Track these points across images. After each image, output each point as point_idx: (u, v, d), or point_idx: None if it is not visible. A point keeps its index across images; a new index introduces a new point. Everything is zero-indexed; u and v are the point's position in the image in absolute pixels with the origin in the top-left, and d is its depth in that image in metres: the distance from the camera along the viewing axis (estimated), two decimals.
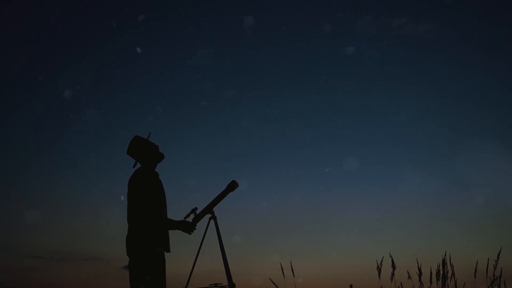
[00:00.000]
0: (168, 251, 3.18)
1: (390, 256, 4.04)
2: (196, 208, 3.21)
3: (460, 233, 8.25)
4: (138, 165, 3.24)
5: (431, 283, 3.87)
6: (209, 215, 3.18)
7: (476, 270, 3.64)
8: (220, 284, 2.90)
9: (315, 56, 9.52)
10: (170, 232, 3.23)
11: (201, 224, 3.22)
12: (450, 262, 3.82)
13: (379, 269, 4.07)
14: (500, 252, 3.59)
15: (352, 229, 8.79)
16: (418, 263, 3.91)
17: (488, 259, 3.62)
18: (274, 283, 3.97)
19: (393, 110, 9.45)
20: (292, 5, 9.31)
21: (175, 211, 3.33)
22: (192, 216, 3.21)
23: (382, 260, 4.08)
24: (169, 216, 3.27)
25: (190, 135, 9.48)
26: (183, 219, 3.22)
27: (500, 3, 8.91)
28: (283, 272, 3.97)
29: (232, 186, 3.16)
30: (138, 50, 8.79)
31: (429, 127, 9.27)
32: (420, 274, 3.89)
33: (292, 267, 4.02)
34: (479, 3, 8.94)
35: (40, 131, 9.23)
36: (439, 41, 9.14)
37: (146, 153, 3.20)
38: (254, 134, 9.63)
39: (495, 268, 3.58)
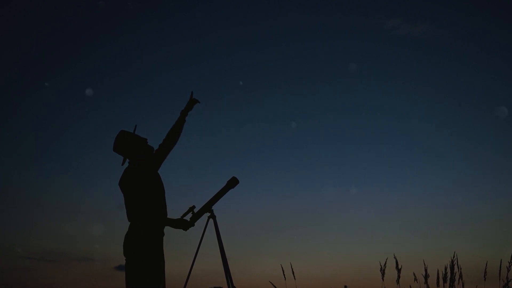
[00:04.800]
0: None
1: (395, 257, 3.89)
2: (194, 206, 3.02)
3: (459, 234, 8.18)
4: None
5: (438, 285, 3.72)
6: (208, 214, 3.01)
7: (485, 272, 3.49)
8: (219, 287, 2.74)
9: (313, 57, 9.47)
10: (167, 230, 3.04)
11: (200, 224, 3.05)
12: (457, 264, 3.68)
13: (382, 270, 3.92)
14: None
15: (350, 229, 8.71)
16: (425, 264, 3.77)
17: (501, 260, 3.48)
18: (274, 286, 3.81)
19: (392, 110, 9.40)
20: (291, 4, 9.25)
21: (172, 210, 3.16)
22: (189, 215, 3.03)
23: (386, 262, 3.93)
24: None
25: (189, 134, 9.36)
26: (180, 218, 3.03)
27: (496, 4, 8.88)
28: (284, 274, 3.80)
29: (233, 182, 2.99)
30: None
31: (434, 127, 9.24)
32: (426, 276, 3.74)
33: (292, 269, 3.87)
34: (475, 4, 8.90)
35: (37, 132, 9.12)
36: (434, 42, 9.11)
37: (134, 148, 2.97)
38: (254, 133, 9.55)
39: (508, 270, 3.43)
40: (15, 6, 8.61)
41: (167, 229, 3.03)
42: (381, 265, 3.97)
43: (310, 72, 9.50)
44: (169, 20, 9.26)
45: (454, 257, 3.66)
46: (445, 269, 3.68)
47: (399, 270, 3.82)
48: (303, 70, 9.56)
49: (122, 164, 3.00)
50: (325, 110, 9.63)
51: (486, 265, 3.51)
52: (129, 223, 2.90)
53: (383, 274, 3.93)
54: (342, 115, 9.60)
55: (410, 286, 3.79)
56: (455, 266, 3.66)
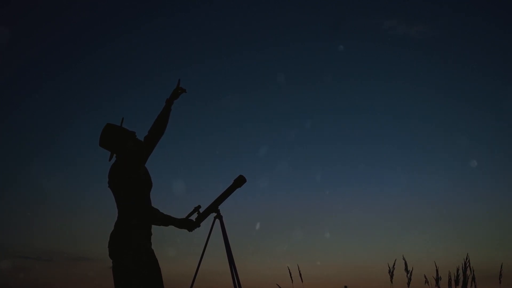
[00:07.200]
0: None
1: (404, 259, 3.78)
2: (199, 206, 2.89)
3: (458, 235, 8.13)
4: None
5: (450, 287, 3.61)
6: (214, 214, 2.89)
7: (501, 274, 3.37)
8: None
9: (311, 57, 9.44)
10: (171, 230, 2.87)
11: (205, 224, 2.93)
12: (470, 266, 3.56)
13: (391, 272, 3.81)
14: None
15: (350, 229, 8.67)
16: (436, 266, 3.65)
17: None
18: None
19: (391, 110, 9.38)
20: (291, 4, 9.21)
21: (175, 210, 3.03)
22: (195, 215, 2.90)
23: (394, 263, 3.82)
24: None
25: (190, 134, 9.30)
26: (185, 218, 2.88)
27: (495, 4, 8.86)
28: (291, 276, 3.69)
29: (240, 181, 2.87)
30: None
31: (433, 128, 9.20)
32: (438, 279, 3.63)
33: (300, 271, 3.75)
34: (475, 4, 8.89)
35: (36, 132, 9.04)
36: (432, 42, 9.09)
37: (122, 142, 2.76)
38: (254, 133, 9.50)
39: None
40: (15, 6, 8.51)
41: (170, 230, 2.89)
42: (389, 267, 3.86)
43: (310, 72, 9.45)
44: (169, 20, 9.19)
45: (466, 259, 3.53)
46: (457, 271, 3.56)
47: (409, 272, 3.71)
48: (303, 70, 9.51)
49: (109, 160, 2.82)
50: (325, 110, 9.59)
51: (501, 267, 3.40)
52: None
53: (391, 276, 3.82)
54: (342, 115, 9.56)
55: None
56: (468, 269, 3.54)
